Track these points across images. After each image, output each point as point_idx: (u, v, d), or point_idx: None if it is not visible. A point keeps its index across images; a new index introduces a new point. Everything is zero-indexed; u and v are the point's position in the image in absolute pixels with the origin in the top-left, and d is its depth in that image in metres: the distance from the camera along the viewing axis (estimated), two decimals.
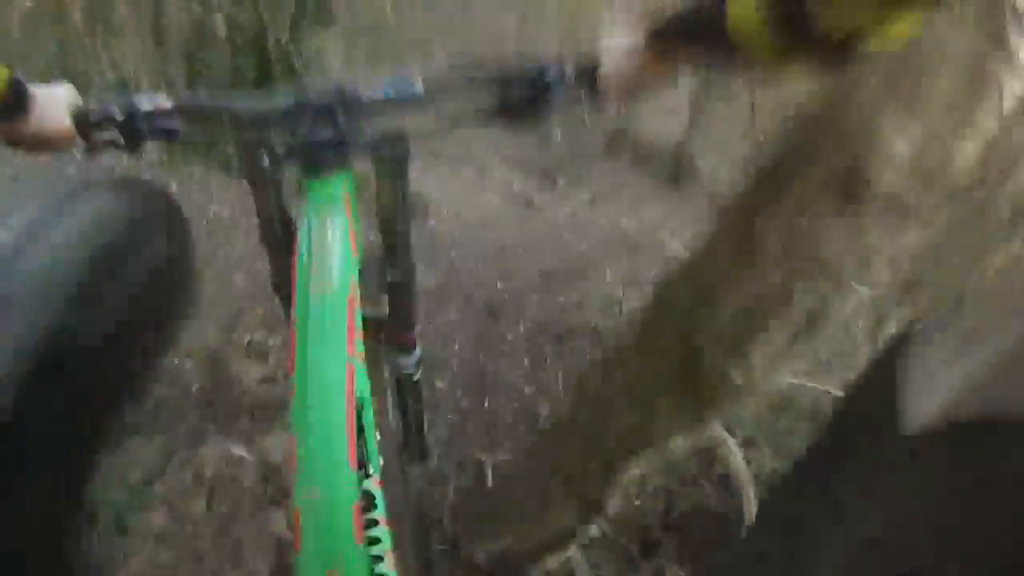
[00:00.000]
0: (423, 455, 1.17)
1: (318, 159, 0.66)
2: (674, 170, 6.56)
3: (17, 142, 0.64)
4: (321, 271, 0.62)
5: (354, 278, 0.63)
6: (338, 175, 0.68)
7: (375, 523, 0.54)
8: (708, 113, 6.78)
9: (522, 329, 2.35)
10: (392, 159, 0.71)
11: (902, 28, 0.42)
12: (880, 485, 0.41)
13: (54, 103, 0.64)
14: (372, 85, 0.68)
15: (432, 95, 0.69)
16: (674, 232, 5.26)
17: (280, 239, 0.78)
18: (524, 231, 3.73)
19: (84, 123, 0.65)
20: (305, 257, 0.63)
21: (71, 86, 0.67)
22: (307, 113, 0.66)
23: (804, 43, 0.46)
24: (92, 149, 0.66)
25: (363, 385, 0.57)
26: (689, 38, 0.61)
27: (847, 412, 0.58)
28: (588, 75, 0.68)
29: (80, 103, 0.66)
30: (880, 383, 0.46)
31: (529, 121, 0.70)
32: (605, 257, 3.65)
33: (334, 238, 0.65)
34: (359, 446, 0.52)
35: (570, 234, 3.99)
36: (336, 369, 0.55)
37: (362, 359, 0.57)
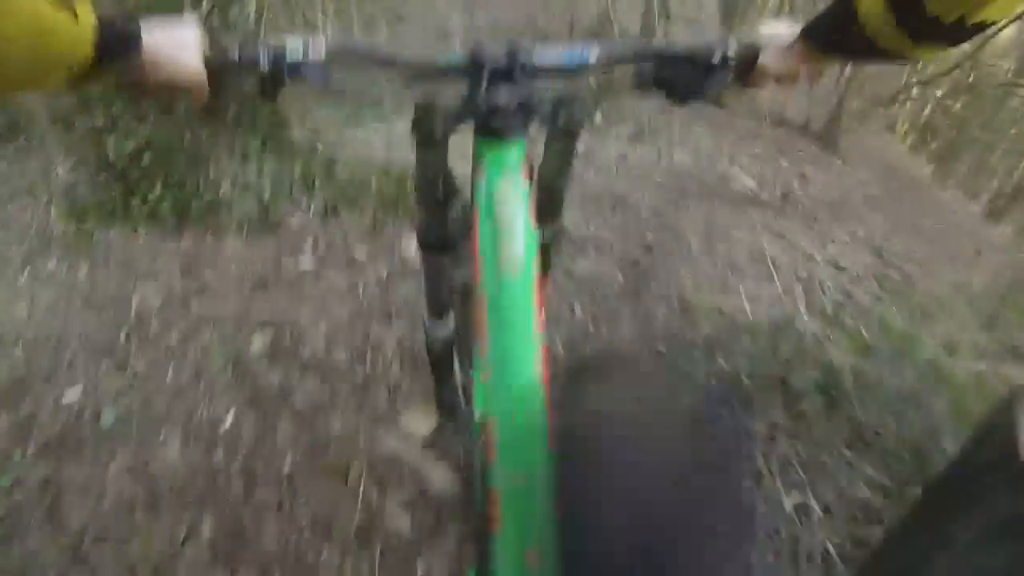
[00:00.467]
0: None
1: (500, 124, 0.62)
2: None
3: (135, 91, 0.55)
4: (508, 250, 0.60)
5: (537, 256, 0.61)
6: (517, 141, 0.64)
7: None
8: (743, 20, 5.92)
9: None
10: (568, 125, 0.69)
11: (1008, 4, 0.47)
12: (994, 521, 0.45)
13: (177, 43, 0.55)
14: (545, 50, 0.65)
15: (603, 64, 0.67)
16: (734, 159, 4.61)
17: (438, 197, 0.76)
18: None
19: (218, 68, 0.57)
20: (488, 233, 0.61)
21: (196, 22, 0.56)
22: (482, 74, 0.61)
23: (924, 26, 0.50)
24: (219, 96, 0.59)
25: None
26: (831, 34, 0.63)
27: (971, 455, 0.60)
28: (748, 61, 0.68)
29: (207, 43, 0.57)
30: (1001, 429, 0.50)
31: (687, 96, 0.69)
32: (679, 208, 3.06)
33: (516, 212, 0.61)
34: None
35: (624, 179, 3.36)
36: (531, 355, 0.55)
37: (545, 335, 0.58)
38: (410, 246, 2.22)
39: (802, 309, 2.07)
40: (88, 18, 0.46)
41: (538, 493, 0.48)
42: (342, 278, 2.03)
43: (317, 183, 2.48)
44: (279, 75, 0.59)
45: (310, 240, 2.24)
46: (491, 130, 0.62)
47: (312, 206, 2.39)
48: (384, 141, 3.29)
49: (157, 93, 0.56)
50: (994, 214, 9.33)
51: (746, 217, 3.44)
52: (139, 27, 0.53)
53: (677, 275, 2.30)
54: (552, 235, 0.81)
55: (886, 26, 0.52)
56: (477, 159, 0.65)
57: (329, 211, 2.38)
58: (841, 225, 4.33)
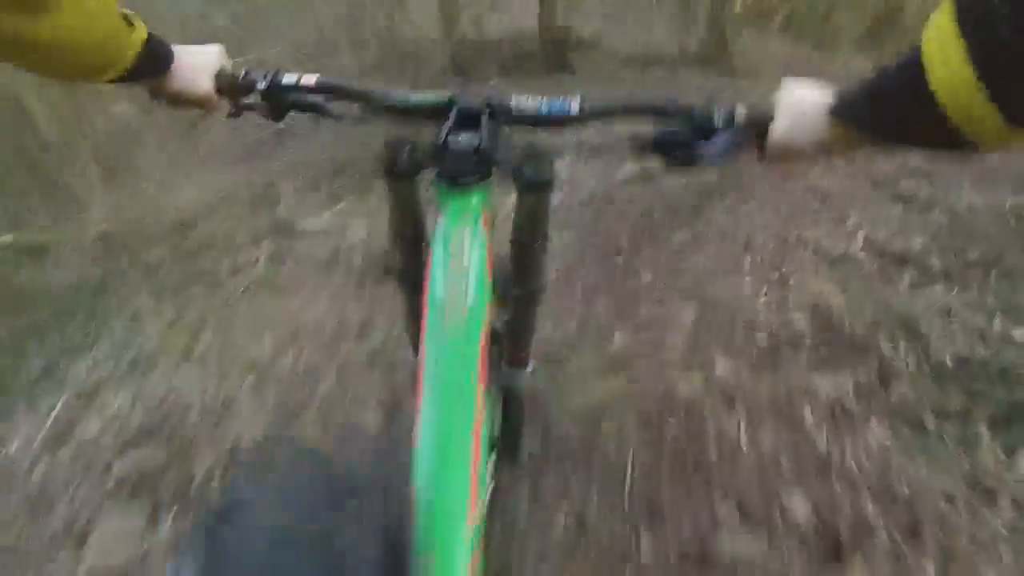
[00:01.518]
0: (515, 458, 1.14)
1: (459, 170, 0.61)
2: None
3: (160, 97, 0.67)
4: (456, 299, 0.58)
5: (488, 308, 0.59)
6: (478, 187, 0.62)
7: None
8: None
9: None
10: (535, 178, 0.65)
11: None
12: None
13: (197, 65, 0.65)
14: (521, 99, 0.65)
15: (587, 117, 0.64)
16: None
17: (411, 235, 0.75)
18: None
19: (227, 87, 0.66)
20: (440, 279, 0.59)
21: (220, 48, 0.68)
22: (454, 116, 0.62)
23: None
24: (235, 113, 0.68)
25: (489, 427, 0.56)
26: (876, 111, 0.48)
27: None
28: (759, 128, 0.59)
29: (227, 66, 0.67)
30: None
31: (684, 161, 0.63)
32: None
33: (470, 261, 0.59)
34: (479, 498, 0.50)
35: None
36: (464, 429, 0.52)
37: (488, 397, 0.54)
38: None
39: None
40: (140, 32, 0.59)
41: (455, 570, 0.47)
42: None
43: None
44: (277, 97, 0.66)
45: None
46: (451, 175, 0.61)
47: None
48: None
49: (176, 101, 0.67)
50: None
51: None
52: (171, 47, 0.65)
53: None
54: (529, 294, 0.78)
55: (973, 104, 0.37)
56: (438, 203, 0.63)
57: None
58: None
